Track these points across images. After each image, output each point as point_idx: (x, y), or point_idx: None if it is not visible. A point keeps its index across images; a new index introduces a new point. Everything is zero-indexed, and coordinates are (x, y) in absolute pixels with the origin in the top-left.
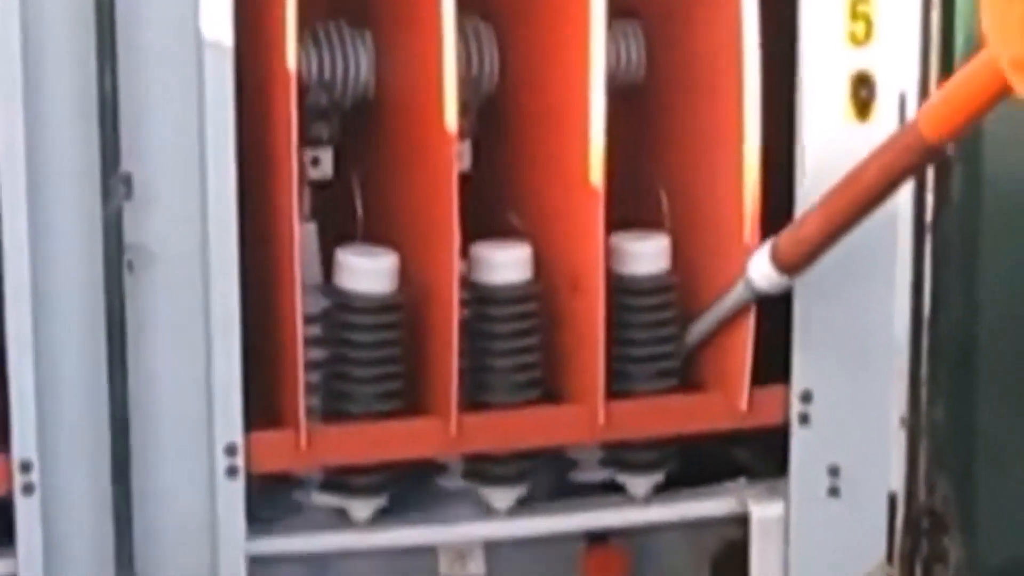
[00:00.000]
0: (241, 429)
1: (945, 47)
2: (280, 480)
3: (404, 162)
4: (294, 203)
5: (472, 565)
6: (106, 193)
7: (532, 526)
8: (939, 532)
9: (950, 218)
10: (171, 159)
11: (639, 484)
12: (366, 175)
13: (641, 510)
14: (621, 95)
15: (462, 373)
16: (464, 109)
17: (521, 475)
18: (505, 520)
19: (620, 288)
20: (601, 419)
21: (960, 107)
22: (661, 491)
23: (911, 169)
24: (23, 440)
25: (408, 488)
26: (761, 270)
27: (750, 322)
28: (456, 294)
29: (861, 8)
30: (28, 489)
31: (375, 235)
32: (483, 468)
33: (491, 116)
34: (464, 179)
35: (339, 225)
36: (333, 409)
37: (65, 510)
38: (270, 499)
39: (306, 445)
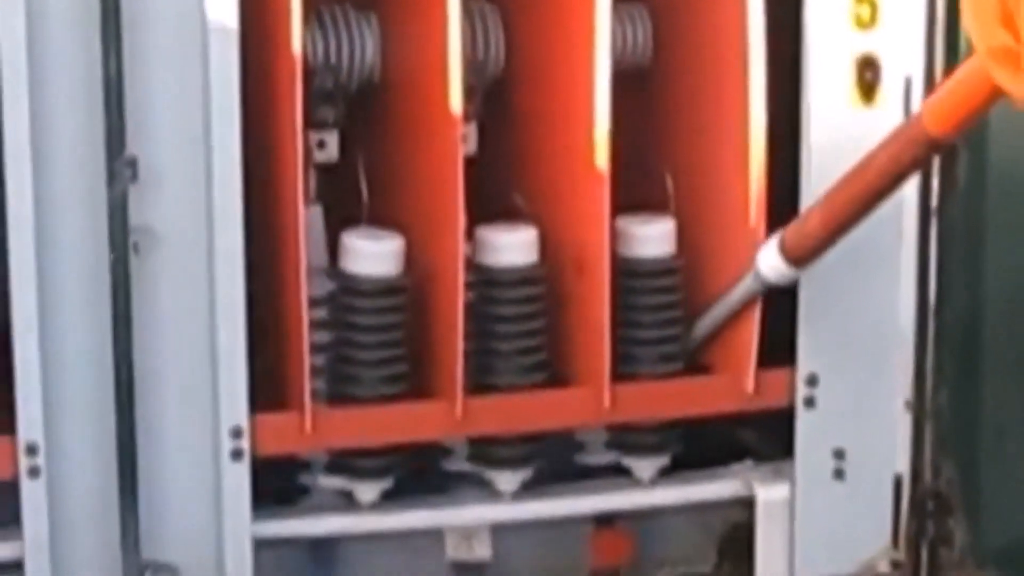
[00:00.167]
0: (246, 412)
1: (950, 31)
2: (286, 463)
3: (410, 145)
4: (299, 186)
5: (478, 548)
6: (111, 176)
7: (538, 509)
8: (944, 514)
9: (956, 204)
10: (176, 142)
11: (645, 467)
12: (371, 158)
13: (647, 492)
14: (627, 78)
15: (467, 356)
16: (470, 92)
17: (527, 458)
18: (511, 503)
19: (625, 271)
20: (607, 402)
21: (963, 102)
22: (667, 474)
23: (916, 162)
24: (29, 423)
25: (414, 471)
26: (770, 262)
27: (756, 306)
28: (461, 277)
29: None
30: (34, 472)
31: (380, 218)
32: (489, 451)
33: (496, 99)
34: (469, 162)
35: (345, 208)
36: (338, 392)
37: (71, 493)
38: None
39: (311, 428)
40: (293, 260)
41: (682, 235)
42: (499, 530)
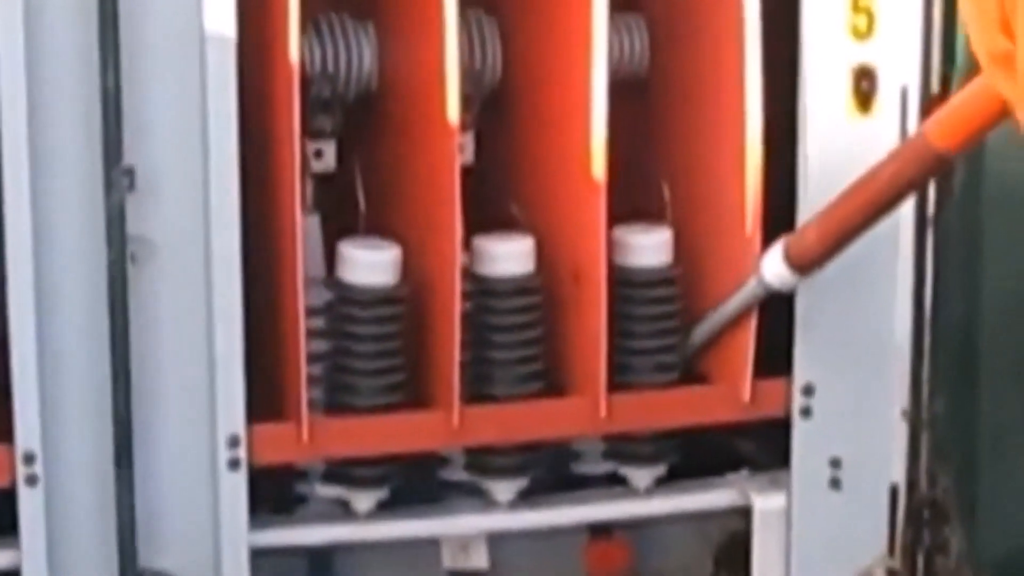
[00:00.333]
0: (244, 421)
1: (947, 40)
2: (282, 472)
3: (407, 154)
4: (297, 195)
5: (475, 557)
6: (109, 185)
7: (534, 518)
8: (940, 523)
9: (952, 212)
10: (174, 152)
11: (641, 476)
12: (369, 167)
13: (644, 502)
14: (624, 88)
15: (464, 365)
16: (467, 102)
17: (523, 467)
18: (507, 512)
19: (622, 281)
20: (603, 411)
21: (971, 117)
22: (663, 483)
23: (922, 177)
24: (27, 432)
25: (410, 480)
26: (774, 269)
27: (753, 315)
28: (458, 286)
29: (863, 2)
30: (32, 480)
31: (378, 227)
32: (485, 461)
33: (494, 108)
34: (466, 171)
35: (342, 217)
36: (335, 401)
37: (68, 501)
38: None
39: (308, 437)
40: (290, 269)
41: (679, 245)
42: (496, 540)
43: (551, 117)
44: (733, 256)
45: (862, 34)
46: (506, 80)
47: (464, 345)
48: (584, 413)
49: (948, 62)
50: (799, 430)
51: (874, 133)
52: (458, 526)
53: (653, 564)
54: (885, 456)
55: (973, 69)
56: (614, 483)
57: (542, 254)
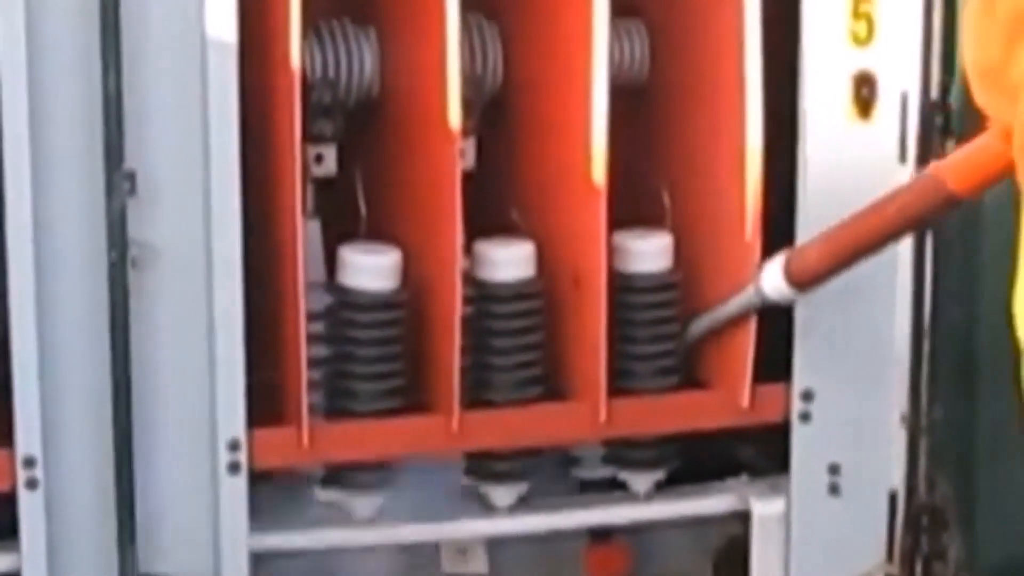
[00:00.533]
0: (244, 425)
1: (947, 47)
2: (283, 476)
3: (407, 159)
4: (297, 200)
5: (474, 562)
6: (110, 190)
7: (534, 523)
8: (939, 529)
9: (951, 217)
10: (175, 156)
11: (641, 481)
12: (369, 172)
13: (643, 507)
14: (624, 93)
15: (464, 370)
16: (468, 107)
17: (523, 472)
18: (507, 517)
19: (622, 286)
20: (603, 416)
21: (987, 164)
22: (663, 488)
23: (931, 216)
24: (27, 436)
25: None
26: (773, 281)
27: (752, 320)
28: (458, 291)
29: (863, 8)
30: (32, 484)
31: (378, 232)
32: (485, 465)
33: (494, 114)
34: (467, 176)
35: (342, 222)
36: (336, 406)
37: (68, 505)
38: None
39: (308, 442)
40: (291, 274)
41: (678, 250)
42: (495, 544)
43: (552, 122)
44: (733, 262)
45: (862, 40)
46: (507, 85)
47: (464, 350)
48: (584, 418)
49: (948, 69)
50: (798, 436)
51: (874, 139)
52: (458, 531)
53: (652, 569)
54: (884, 462)
55: None
56: (614, 488)
57: (542, 259)
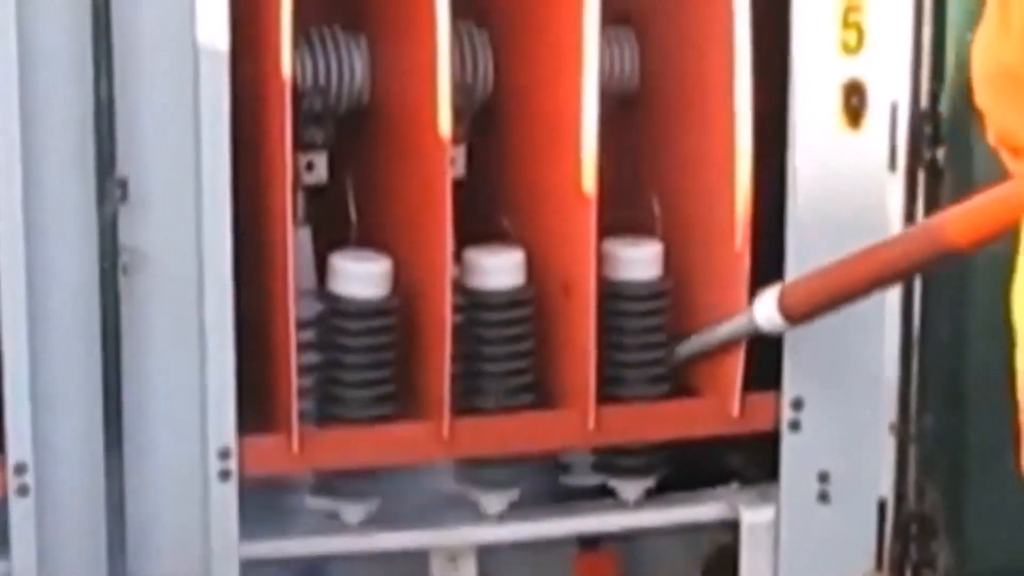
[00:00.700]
0: (234, 433)
1: (936, 55)
2: (273, 484)
3: (398, 167)
4: (288, 207)
5: (464, 569)
6: (102, 196)
7: (524, 530)
8: (928, 537)
9: None
10: (166, 163)
11: (631, 489)
12: (360, 180)
13: (633, 514)
14: (614, 101)
15: (454, 377)
16: (458, 115)
17: (513, 479)
18: (497, 524)
19: (612, 294)
20: (592, 424)
21: (993, 220)
22: (653, 496)
23: (931, 266)
24: (18, 442)
25: (400, 492)
26: (766, 312)
27: None
28: (449, 299)
29: (853, 17)
30: (23, 491)
31: (369, 240)
32: (475, 472)
33: (485, 122)
34: (457, 184)
35: (333, 229)
36: (326, 413)
37: (59, 512)
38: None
39: (299, 449)
40: (281, 281)
41: (668, 258)
42: (485, 551)
43: (542, 130)
44: (722, 270)
45: (852, 49)
46: (497, 93)
47: (454, 357)
48: (574, 425)
49: (937, 78)
50: (788, 444)
51: (864, 148)
52: (448, 538)
53: None
54: (873, 470)
55: (961, 85)
56: (603, 495)
57: (532, 267)
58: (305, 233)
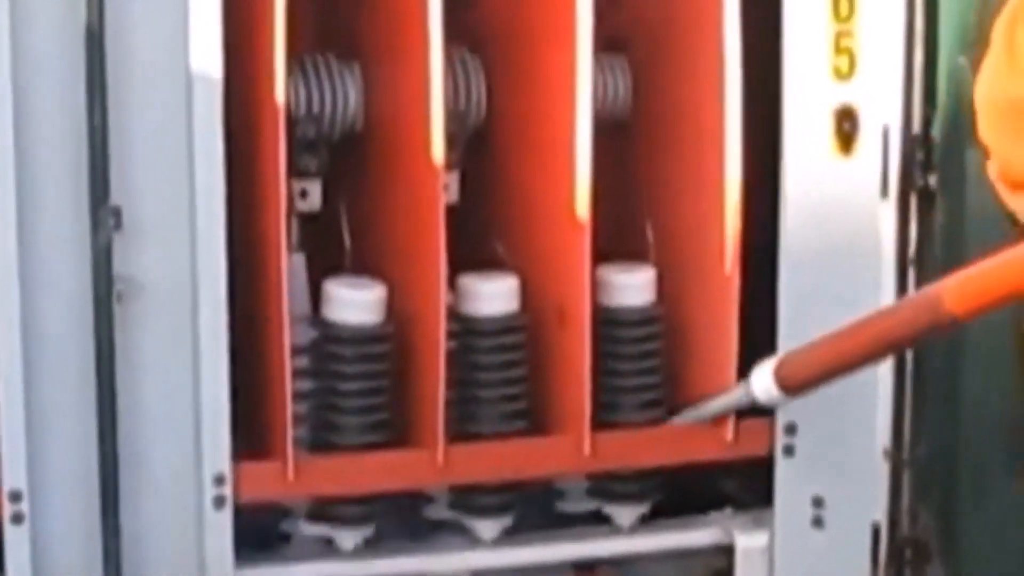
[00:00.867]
0: (229, 459)
1: (928, 80)
2: (267, 510)
3: (391, 194)
4: (282, 235)
5: None
6: (96, 225)
7: (518, 556)
8: (922, 562)
9: (933, 251)
10: (160, 191)
11: (625, 514)
12: (354, 207)
13: (627, 540)
14: (607, 128)
15: (449, 404)
16: (451, 141)
17: (507, 506)
18: (491, 550)
19: (606, 320)
20: (587, 450)
21: (993, 289)
22: (647, 521)
23: (929, 334)
24: (13, 470)
25: (395, 518)
26: (762, 384)
27: (734, 355)
28: (443, 325)
29: (845, 43)
30: (17, 518)
31: (362, 266)
32: (470, 499)
33: (478, 148)
34: (451, 211)
35: (327, 256)
36: (321, 440)
37: (54, 540)
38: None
39: (294, 476)
40: (276, 308)
41: (661, 284)
42: None
43: (535, 156)
44: (714, 295)
45: (844, 75)
46: (490, 119)
47: (449, 384)
48: (568, 451)
49: (929, 103)
50: (782, 469)
51: (856, 174)
52: (443, 564)
53: None
54: (867, 495)
55: (954, 110)
56: (598, 521)
57: (526, 293)
58: (299, 260)
